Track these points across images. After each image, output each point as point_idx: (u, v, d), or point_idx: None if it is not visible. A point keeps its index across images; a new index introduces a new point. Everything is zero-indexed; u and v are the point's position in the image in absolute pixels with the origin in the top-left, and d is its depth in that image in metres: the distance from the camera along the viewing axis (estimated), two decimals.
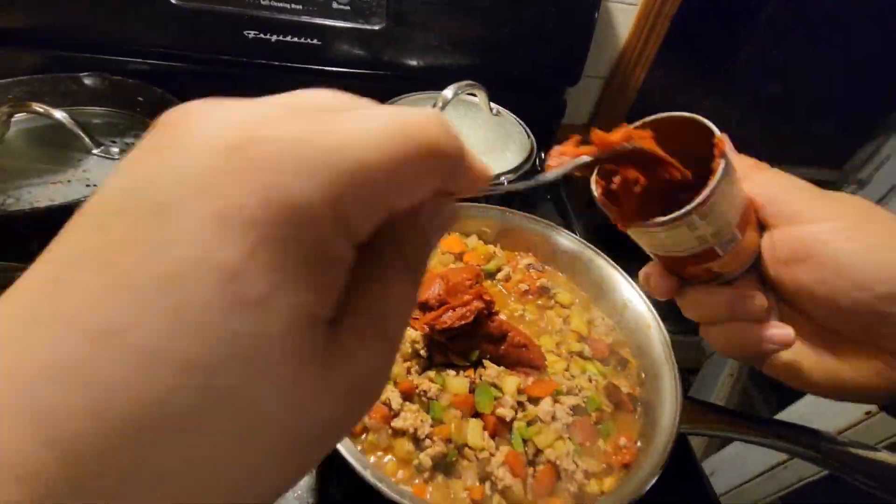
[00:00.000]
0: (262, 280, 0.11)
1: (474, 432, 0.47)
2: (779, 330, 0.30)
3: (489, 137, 0.82)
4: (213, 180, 0.12)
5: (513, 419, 0.49)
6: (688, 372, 2.11)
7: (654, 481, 0.44)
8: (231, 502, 0.12)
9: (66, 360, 0.10)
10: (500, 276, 0.66)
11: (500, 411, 0.49)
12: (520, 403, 0.50)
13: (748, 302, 0.30)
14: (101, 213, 0.12)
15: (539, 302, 0.65)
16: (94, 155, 0.70)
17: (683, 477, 0.62)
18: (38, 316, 0.11)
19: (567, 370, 0.56)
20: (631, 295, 0.62)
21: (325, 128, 0.13)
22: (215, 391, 0.11)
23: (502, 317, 0.57)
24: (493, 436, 0.48)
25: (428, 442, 0.46)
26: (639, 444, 0.51)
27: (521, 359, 0.54)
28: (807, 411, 1.02)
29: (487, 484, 0.45)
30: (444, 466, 0.46)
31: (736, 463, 1.14)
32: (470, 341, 0.52)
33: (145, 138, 0.13)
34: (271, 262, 0.12)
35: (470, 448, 0.47)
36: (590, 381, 0.55)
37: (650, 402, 0.54)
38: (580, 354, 0.59)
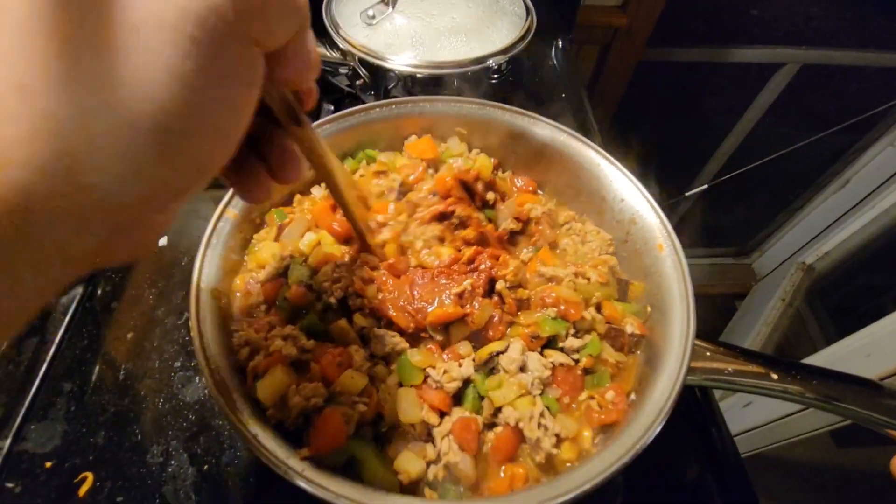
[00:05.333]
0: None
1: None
2: None
3: (478, 12, 0.65)
4: None
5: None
6: (733, 297, 1.95)
7: (640, 450, 0.33)
8: None
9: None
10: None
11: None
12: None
13: None
14: None
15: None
16: None
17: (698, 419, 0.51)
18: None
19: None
20: (641, 206, 0.48)
21: None
22: None
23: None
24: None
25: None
26: (632, 396, 0.39)
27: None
28: (865, 343, 0.86)
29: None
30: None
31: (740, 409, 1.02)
32: None
33: None
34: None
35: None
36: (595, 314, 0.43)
37: (654, 343, 0.42)
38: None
